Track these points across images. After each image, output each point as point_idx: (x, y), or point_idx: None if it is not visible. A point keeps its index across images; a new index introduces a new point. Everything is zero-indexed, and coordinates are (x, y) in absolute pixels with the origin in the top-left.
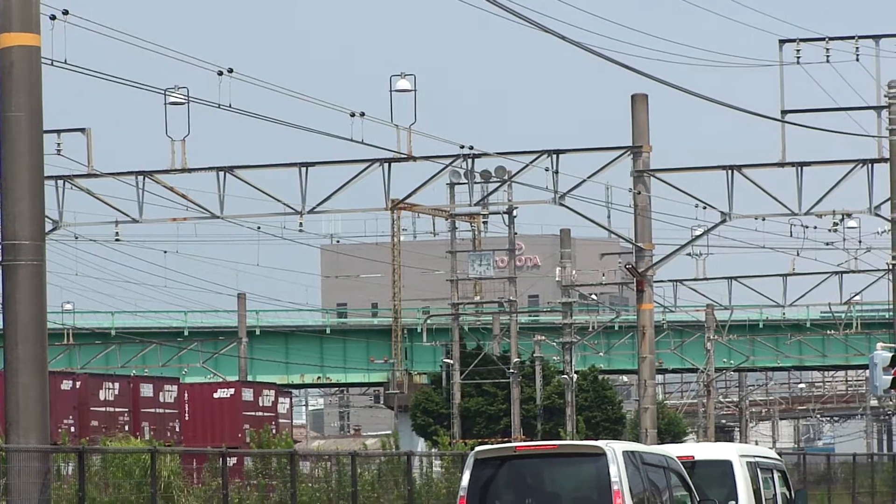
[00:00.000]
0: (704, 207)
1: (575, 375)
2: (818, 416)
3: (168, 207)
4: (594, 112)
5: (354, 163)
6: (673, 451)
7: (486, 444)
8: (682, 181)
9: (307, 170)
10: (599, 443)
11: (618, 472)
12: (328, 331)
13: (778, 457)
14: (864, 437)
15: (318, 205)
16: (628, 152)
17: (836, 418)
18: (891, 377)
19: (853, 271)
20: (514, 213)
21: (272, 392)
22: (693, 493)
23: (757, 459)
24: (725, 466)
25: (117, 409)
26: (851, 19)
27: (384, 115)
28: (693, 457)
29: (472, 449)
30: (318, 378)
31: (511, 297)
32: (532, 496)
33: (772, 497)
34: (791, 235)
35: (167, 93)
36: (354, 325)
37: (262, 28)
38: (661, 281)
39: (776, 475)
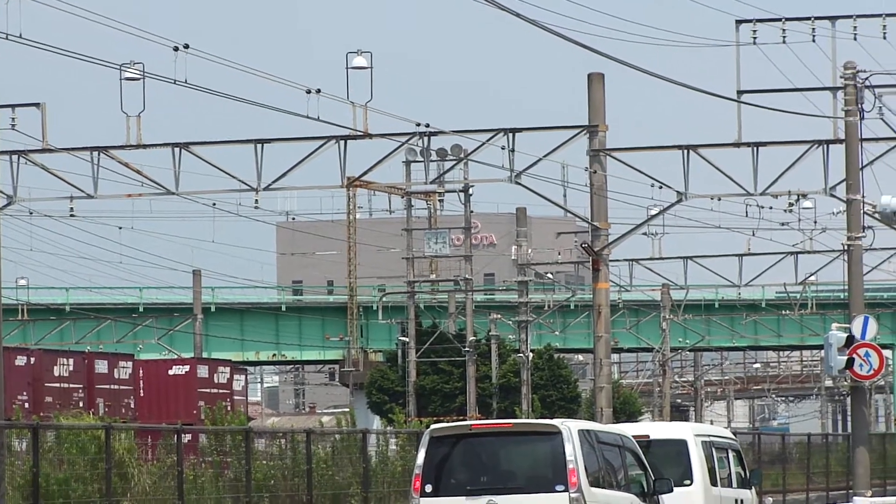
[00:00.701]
0: (660, 187)
1: (530, 354)
2: (773, 395)
3: (123, 183)
4: (551, 91)
5: (310, 140)
6: (628, 430)
7: (441, 422)
8: (638, 160)
9: (263, 146)
10: (555, 421)
11: (573, 450)
12: (283, 308)
13: (733, 436)
14: (818, 418)
15: (274, 182)
16: (584, 131)
17: (790, 398)
18: (845, 357)
19: (808, 252)
20: (470, 191)
21: (227, 369)
22: (648, 471)
23: (712, 439)
24: (680, 446)
25: (72, 386)
26: (808, 0)
27: (340, 93)
28: (648, 436)
29: (428, 427)
30: (274, 355)
31: (467, 276)
32: (487, 474)
33: (726, 476)
34: (746, 215)
35: (122, 68)
36: (310, 302)
37: (219, 4)
38: (617, 260)
39: (731, 455)
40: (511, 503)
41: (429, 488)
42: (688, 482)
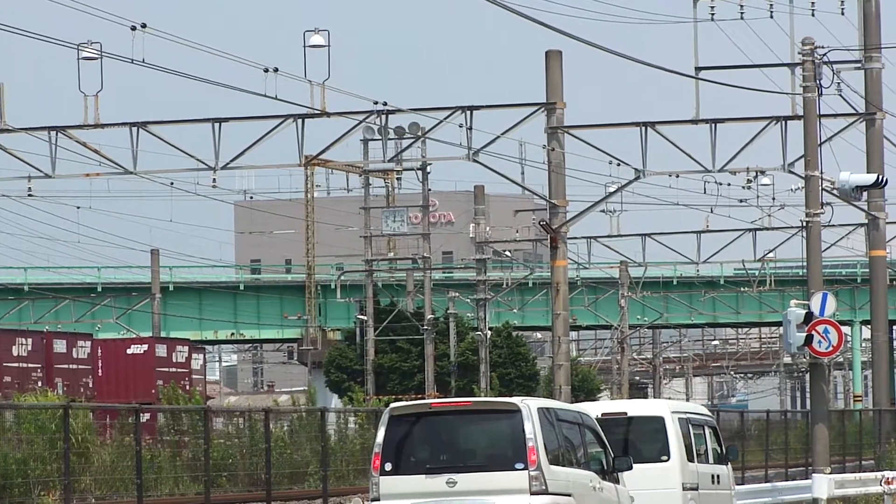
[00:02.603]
0: (618, 164)
1: (489, 332)
2: (732, 372)
3: (81, 163)
4: (509, 69)
5: (268, 119)
6: (606, 407)
7: (399, 400)
8: (596, 138)
9: (220, 126)
10: (514, 399)
11: (532, 428)
12: (242, 287)
13: (710, 413)
14: (777, 395)
15: (232, 161)
16: (542, 109)
17: (749, 375)
18: (804, 334)
19: (767, 228)
20: (428, 169)
21: (186, 348)
22: (608, 449)
23: (689, 416)
24: (658, 423)
25: (30, 365)
26: None
27: (298, 72)
28: (626, 413)
29: (386, 405)
30: (232, 334)
31: (425, 254)
32: (447, 452)
33: (703, 452)
34: (705, 192)
35: (80, 48)
36: (268, 281)
37: None
38: (575, 238)
39: (707, 431)
40: (470, 481)
41: (388, 466)
42: (665, 458)
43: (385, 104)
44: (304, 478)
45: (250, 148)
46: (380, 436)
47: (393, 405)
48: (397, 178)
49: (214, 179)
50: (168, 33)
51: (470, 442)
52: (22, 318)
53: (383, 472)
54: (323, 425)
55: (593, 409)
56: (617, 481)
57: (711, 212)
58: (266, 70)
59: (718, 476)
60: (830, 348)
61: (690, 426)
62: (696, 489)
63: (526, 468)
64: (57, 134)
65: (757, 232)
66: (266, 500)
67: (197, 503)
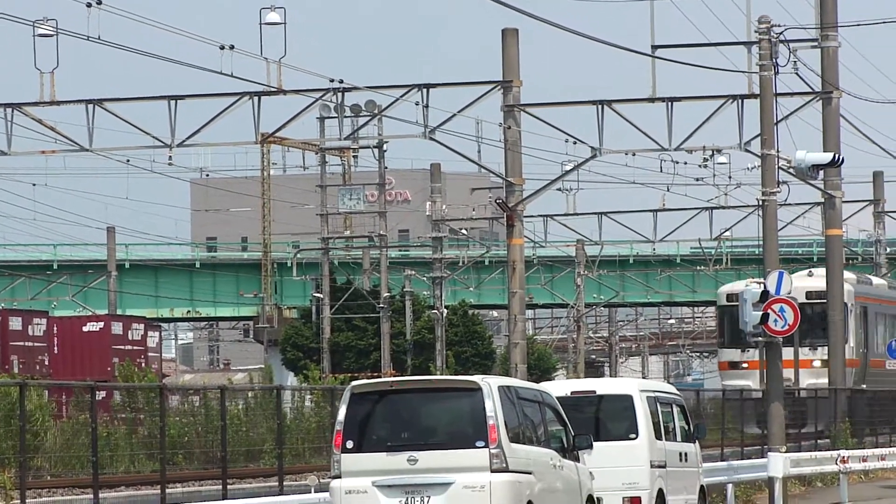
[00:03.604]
0: (575, 142)
1: (445, 310)
2: (688, 351)
3: (37, 140)
4: (465, 47)
5: (224, 96)
6: (575, 385)
7: (356, 378)
8: (552, 116)
9: (176, 103)
10: (475, 378)
11: (493, 406)
12: (198, 265)
13: (678, 392)
14: None
15: (188, 138)
16: (498, 87)
17: (705, 354)
18: (760, 313)
19: (723, 207)
20: (385, 147)
21: (141, 326)
22: (568, 427)
23: (657, 394)
24: (626, 401)
25: None
26: None
27: (254, 49)
28: (595, 391)
29: (342, 383)
30: (188, 312)
31: (381, 232)
32: (408, 430)
33: (672, 430)
34: (661, 171)
35: (36, 24)
36: (224, 259)
37: None
38: (532, 216)
39: (675, 409)
40: (431, 459)
41: (350, 444)
42: (633, 436)
43: (341, 82)
44: (260, 456)
45: (206, 125)
46: (341, 413)
47: (355, 383)
48: (354, 156)
49: (170, 157)
50: (124, 10)
51: (431, 420)
52: None
53: (345, 450)
54: (279, 403)
55: (561, 388)
56: (577, 459)
57: (668, 190)
58: (222, 47)
59: (686, 454)
60: (786, 327)
61: (659, 404)
62: (664, 466)
63: (487, 446)
64: (13, 111)
65: (713, 210)
66: (222, 477)
67: (153, 481)
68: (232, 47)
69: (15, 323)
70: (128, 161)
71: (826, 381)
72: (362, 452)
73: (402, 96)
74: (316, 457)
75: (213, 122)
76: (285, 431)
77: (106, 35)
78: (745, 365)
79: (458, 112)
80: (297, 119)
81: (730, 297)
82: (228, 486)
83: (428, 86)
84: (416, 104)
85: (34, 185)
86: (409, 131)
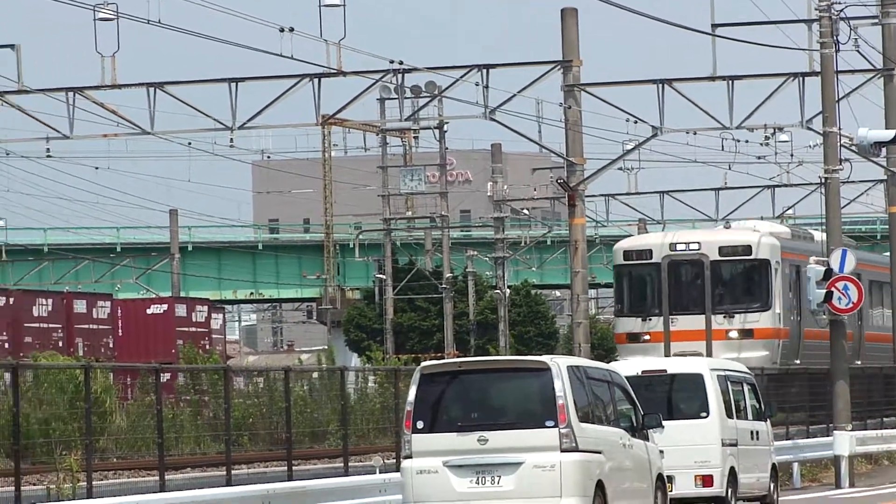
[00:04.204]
0: (636, 122)
1: (507, 290)
2: None
3: (99, 123)
4: (525, 26)
5: (284, 78)
6: (646, 364)
7: (419, 359)
8: (612, 95)
9: (237, 85)
10: (544, 357)
11: (562, 386)
12: (260, 247)
13: (748, 370)
14: None
15: (249, 120)
16: (558, 66)
17: None
18: (824, 291)
19: (785, 185)
20: (445, 128)
21: (205, 308)
22: (637, 406)
23: (727, 373)
24: (697, 379)
25: (51, 326)
26: None
27: (314, 31)
28: (666, 370)
29: (406, 364)
30: (251, 294)
31: (443, 213)
32: (478, 410)
33: (743, 409)
34: (723, 149)
35: (96, 8)
36: (286, 240)
37: None
38: (593, 195)
39: (746, 388)
40: (501, 439)
41: (420, 425)
42: (704, 414)
43: (401, 63)
44: (324, 437)
45: (267, 108)
46: (412, 394)
47: (424, 364)
48: (414, 137)
49: (232, 139)
50: None
51: (500, 400)
52: (42, 278)
53: (416, 430)
54: (343, 385)
55: (632, 367)
56: (647, 438)
57: (729, 169)
58: (282, 30)
59: (757, 432)
60: (850, 305)
61: (729, 383)
62: (736, 445)
63: (556, 425)
64: (74, 95)
65: (775, 188)
66: (287, 459)
67: (218, 462)
68: (292, 29)
69: (80, 306)
70: (189, 144)
71: (749, 355)
72: (433, 433)
73: (461, 77)
74: (380, 438)
75: (274, 104)
76: (349, 412)
77: (166, 18)
78: (646, 337)
79: (518, 92)
80: (357, 101)
81: (628, 254)
82: (294, 468)
83: (487, 66)
84: (476, 85)
85: (97, 168)
86: (469, 112)
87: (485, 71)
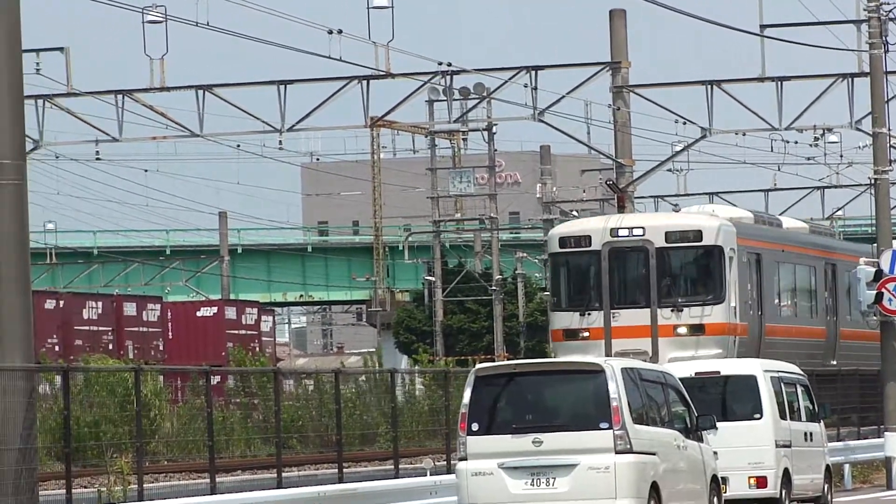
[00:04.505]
0: (684, 123)
1: None
2: None
3: (148, 126)
4: (573, 28)
5: (333, 80)
6: (699, 366)
7: (468, 361)
8: (661, 97)
9: (286, 88)
10: (598, 360)
11: (616, 388)
12: (310, 249)
13: (801, 372)
14: None
15: (297, 123)
16: (607, 68)
17: None
18: (874, 292)
19: (835, 186)
20: (494, 129)
21: (255, 310)
22: (691, 408)
23: (781, 374)
24: (750, 381)
25: (101, 328)
26: None
27: (362, 33)
28: (719, 372)
29: (454, 366)
30: (301, 296)
31: (492, 214)
32: (532, 413)
33: (796, 410)
34: (772, 150)
35: (145, 11)
36: (336, 243)
37: None
38: (642, 197)
39: (800, 389)
40: (556, 441)
41: (475, 427)
42: (758, 416)
43: (449, 65)
44: (374, 439)
45: (316, 110)
46: (466, 396)
47: (479, 366)
48: (463, 139)
49: (281, 142)
50: None
51: (555, 402)
52: (92, 281)
53: (471, 433)
54: (392, 387)
55: (686, 369)
56: (701, 440)
57: (779, 170)
58: (330, 32)
59: (811, 433)
60: None
61: (783, 384)
62: (790, 446)
63: (610, 427)
64: (123, 97)
65: (825, 190)
66: (337, 461)
67: (268, 465)
68: (340, 31)
69: (129, 309)
70: (238, 146)
71: (699, 353)
72: (488, 435)
73: (510, 79)
74: (430, 440)
75: (323, 106)
76: (398, 414)
77: (214, 21)
78: (585, 334)
79: (567, 94)
80: (406, 102)
81: (565, 240)
82: (344, 470)
83: (536, 68)
84: (525, 86)
85: (146, 171)
86: (518, 113)
87: (533, 72)
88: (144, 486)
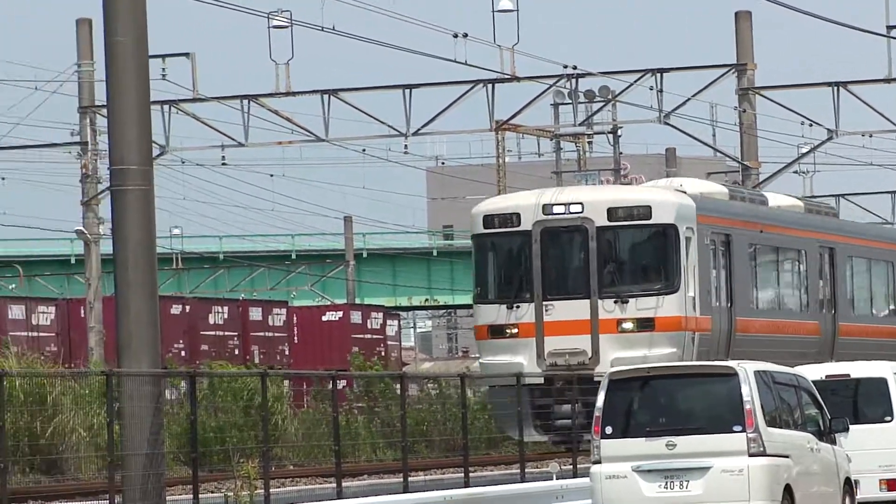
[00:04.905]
0: (811, 125)
1: None
2: None
3: (273, 131)
4: (698, 29)
5: (458, 84)
6: (829, 369)
7: None
8: (787, 98)
9: (411, 92)
10: (731, 363)
11: (749, 391)
12: (435, 253)
13: None
14: None
15: (423, 127)
16: (732, 70)
17: None
18: None
19: None
20: (619, 132)
21: (380, 314)
22: (824, 410)
23: None
24: (881, 384)
25: (227, 333)
26: None
27: (487, 36)
28: (849, 374)
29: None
30: (426, 300)
31: None
32: (666, 415)
33: None
34: None
35: (270, 16)
36: (461, 246)
37: None
38: None
39: None
40: (689, 443)
41: (609, 430)
42: (889, 418)
43: (575, 68)
44: (500, 443)
45: (441, 114)
46: (600, 400)
47: (612, 369)
48: (588, 142)
49: (406, 146)
50: (357, 0)
51: (688, 405)
52: (217, 286)
53: (604, 436)
54: (519, 391)
55: (816, 371)
56: (834, 442)
57: None
58: (455, 35)
59: None
60: None
61: None
62: None
63: (744, 430)
64: (249, 103)
65: None
66: (463, 465)
67: (394, 469)
68: (465, 35)
69: (255, 313)
70: (364, 150)
71: (648, 353)
72: (621, 438)
73: (635, 81)
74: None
75: (448, 110)
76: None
77: (339, 25)
78: (513, 330)
79: (693, 96)
80: (531, 106)
81: (489, 219)
82: (470, 474)
83: (661, 70)
84: (650, 89)
85: (272, 175)
86: (643, 116)
87: (658, 75)
88: (271, 490)
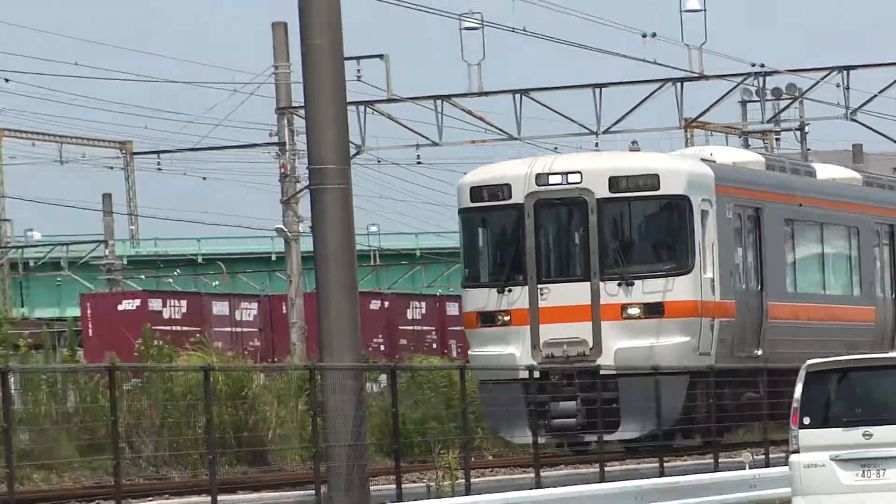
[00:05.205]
0: None
1: None
2: None
3: (466, 130)
4: (886, 26)
5: (647, 83)
6: None
7: None
8: None
9: (601, 91)
10: None
11: None
12: None
13: None
14: None
15: (613, 125)
16: None
17: None
18: None
19: None
20: (806, 129)
21: None
22: None
23: None
24: None
25: (425, 328)
26: None
27: (675, 36)
28: None
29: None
30: None
31: None
32: (862, 406)
33: None
34: None
35: (462, 18)
36: None
37: None
38: None
39: None
40: (886, 434)
41: (807, 420)
42: None
43: (762, 66)
44: (691, 433)
45: (630, 112)
46: (798, 392)
47: (809, 362)
48: (776, 139)
49: (597, 144)
50: (547, 1)
51: (884, 396)
52: (415, 282)
53: (802, 426)
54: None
55: None
56: None
57: None
58: (644, 35)
59: None
60: None
61: None
62: None
63: None
64: (442, 102)
65: None
66: (658, 455)
67: (591, 459)
68: (654, 35)
69: (452, 308)
70: (556, 149)
71: (658, 342)
72: (819, 428)
73: (822, 79)
74: (748, 433)
75: (637, 108)
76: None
77: (530, 26)
78: (505, 318)
79: (880, 92)
80: (719, 104)
81: (477, 191)
82: (664, 464)
83: (848, 67)
84: (837, 86)
85: (465, 174)
86: (830, 113)
87: (845, 72)
88: (471, 480)
